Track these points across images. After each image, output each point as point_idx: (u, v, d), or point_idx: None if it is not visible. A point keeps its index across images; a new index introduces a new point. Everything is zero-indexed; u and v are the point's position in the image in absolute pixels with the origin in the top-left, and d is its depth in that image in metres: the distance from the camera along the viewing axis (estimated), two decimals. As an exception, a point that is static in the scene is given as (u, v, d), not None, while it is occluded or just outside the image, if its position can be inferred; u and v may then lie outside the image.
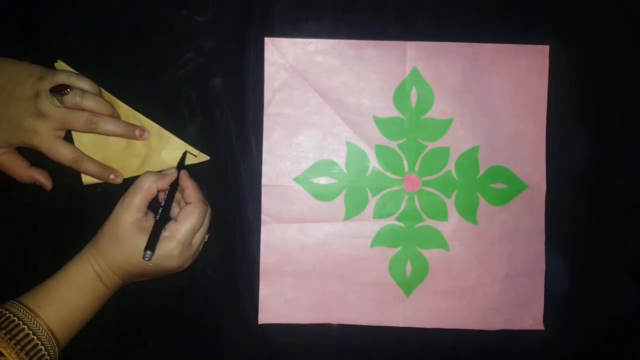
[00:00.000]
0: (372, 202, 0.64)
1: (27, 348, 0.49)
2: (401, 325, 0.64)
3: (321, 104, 0.63)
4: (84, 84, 0.58)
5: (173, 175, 0.57)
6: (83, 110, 0.57)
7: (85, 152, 0.59)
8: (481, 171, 0.64)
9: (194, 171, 0.62)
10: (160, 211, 0.56)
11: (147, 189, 0.55)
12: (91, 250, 0.55)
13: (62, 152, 0.57)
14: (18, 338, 0.49)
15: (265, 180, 0.63)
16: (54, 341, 0.51)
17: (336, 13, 0.63)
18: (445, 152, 0.64)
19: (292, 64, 0.63)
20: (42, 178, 0.60)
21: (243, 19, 0.63)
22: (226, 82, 0.63)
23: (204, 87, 0.63)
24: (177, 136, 0.62)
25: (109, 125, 0.58)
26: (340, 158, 0.64)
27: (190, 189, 0.57)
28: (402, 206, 0.64)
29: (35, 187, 0.60)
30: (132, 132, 0.60)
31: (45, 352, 0.50)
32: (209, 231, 0.58)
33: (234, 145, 0.63)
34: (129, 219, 0.54)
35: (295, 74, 0.63)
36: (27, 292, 0.53)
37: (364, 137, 0.63)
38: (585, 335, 0.65)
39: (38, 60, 0.58)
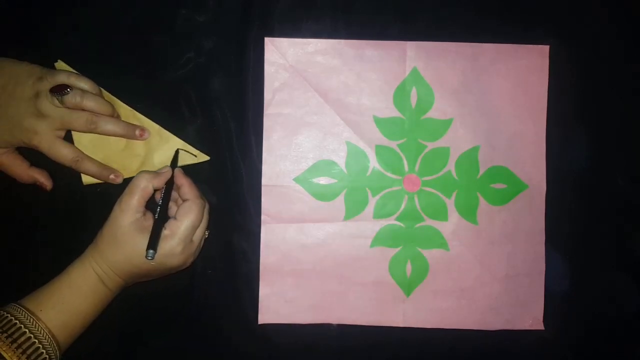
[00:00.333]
0: (372, 202, 0.64)
1: (29, 352, 0.49)
2: (401, 325, 0.64)
3: (321, 104, 0.63)
4: (84, 84, 0.58)
5: (168, 173, 0.57)
6: (83, 110, 0.57)
7: (85, 152, 0.59)
8: (481, 171, 0.64)
9: (194, 171, 0.62)
10: (159, 210, 0.56)
11: (143, 188, 0.55)
12: (92, 253, 0.55)
13: (62, 152, 0.57)
14: (19, 341, 0.48)
15: (265, 180, 0.63)
16: (55, 344, 0.51)
17: (336, 13, 0.63)
18: (445, 152, 0.64)
19: (292, 64, 0.63)
20: (42, 178, 0.60)
21: (243, 19, 0.63)
22: (226, 82, 0.63)
23: (204, 87, 0.63)
24: (177, 136, 0.62)
25: (109, 125, 0.58)
26: (340, 158, 0.64)
27: (185, 186, 0.57)
28: (402, 206, 0.64)
29: (35, 187, 0.60)
30: (132, 132, 0.60)
31: (47, 356, 0.50)
32: (208, 227, 0.58)
33: (234, 145, 0.63)
34: (128, 219, 0.54)
35: (295, 74, 0.63)
36: (29, 294, 0.53)
37: (364, 137, 0.63)
38: (585, 335, 0.65)
39: (38, 60, 0.58)
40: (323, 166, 0.63)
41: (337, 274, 0.64)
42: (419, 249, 0.64)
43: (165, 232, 0.55)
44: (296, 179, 0.63)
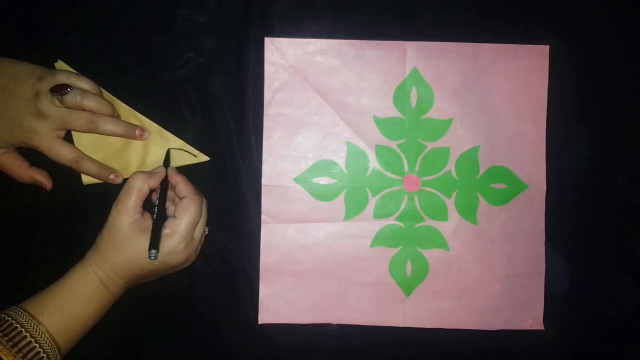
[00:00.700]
0: (372, 202, 0.64)
1: (29, 355, 0.48)
2: (401, 325, 0.64)
3: (321, 104, 0.63)
4: (84, 84, 0.58)
5: (162, 173, 0.57)
6: (83, 110, 0.57)
7: (85, 152, 0.59)
8: (481, 171, 0.64)
9: (194, 171, 0.62)
10: (157, 210, 0.55)
11: (139, 188, 0.55)
12: (93, 257, 0.54)
13: (62, 152, 0.57)
14: (20, 345, 0.48)
15: (265, 180, 0.63)
16: (55, 348, 0.50)
17: (336, 13, 0.63)
18: (445, 152, 0.64)
19: (292, 64, 0.63)
20: (42, 178, 0.60)
21: (243, 19, 0.63)
22: (226, 82, 0.63)
23: (204, 87, 0.63)
24: (177, 136, 0.62)
25: (109, 125, 0.58)
26: (340, 158, 0.64)
27: (181, 183, 0.57)
28: (402, 206, 0.64)
29: (35, 187, 0.60)
30: (132, 132, 0.60)
31: None
32: (207, 224, 0.58)
33: (234, 145, 0.63)
34: (127, 221, 0.54)
35: (295, 74, 0.63)
36: (30, 298, 0.52)
37: (364, 137, 0.63)
38: (585, 335, 0.65)
39: (38, 60, 0.58)
40: (323, 166, 0.63)
41: (337, 274, 0.64)
42: (419, 249, 0.64)
43: (165, 231, 0.54)
44: (296, 179, 0.63)
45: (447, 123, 0.64)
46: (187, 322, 0.63)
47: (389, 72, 0.63)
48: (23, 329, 0.49)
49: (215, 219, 0.61)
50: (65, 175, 0.60)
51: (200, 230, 0.57)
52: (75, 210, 0.63)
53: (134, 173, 0.56)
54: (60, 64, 0.61)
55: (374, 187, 0.64)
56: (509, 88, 0.64)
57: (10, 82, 0.56)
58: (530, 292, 0.64)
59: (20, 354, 0.48)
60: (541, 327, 0.64)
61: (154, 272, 0.56)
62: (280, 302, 0.63)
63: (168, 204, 0.58)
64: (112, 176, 0.60)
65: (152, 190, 0.57)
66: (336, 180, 0.64)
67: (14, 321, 0.49)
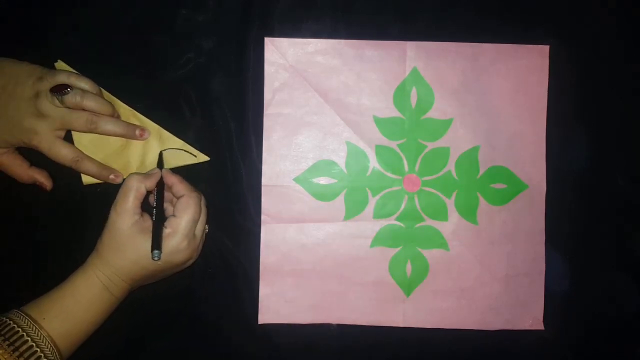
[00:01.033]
0: (372, 202, 0.64)
1: None
2: (401, 325, 0.64)
3: (321, 104, 0.63)
4: (84, 84, 0.58)
5: (158, 174, 0.57)
6: (83, 110, 0.57)
7: (85, 152, 0.59)
8: (481, 171, 0.64)
9: (194, 171, 0.62)
10: (155, 211, 0.55)
11: (136, 189, 0.55)
12: (95, 261, 0.54)
13: (62, 152, 0.57)
14: (21, 350, 0.48)
15: (265, 180, 0.63)
16: (57, 353, 0.50)
17: (336, 13, 0.63)
18: (445, 152, 0.64)
19: (292, 64, 0.63)
20: (42, 178, 0.60)
21: (243, 19, 0.63)
22: (226, 82, 0.63)
23: (204, 87, 0.63)
24: (177, 136, 0.62)
25: (109, 125, 0.58)
26: (340, 158, 0.64)
27: (177, 183, 0.57)
28: (402, 206, 0.64)
29: (35, 187, 0.60)
30: (132, 132, 0.60)
31: None
32: (207, 222, 0.58)
33: (234, 145, 0.63)
34: (127, 223, 0.54)
35: (295, 74, 0.63)
36: (32, 302, 0.52)
37: (364, 137, 0.63)
38: (585, 335, 0.65)
39: (38, 60, 0.58)
40: (323, 166, 0.63)
41: (337, 274, 0.63)
42: (419, 249, 0.64)
43: (167, 230, 0.54)
44: (296, 179, 0.63)
45: (447, 123, 0.64)
46: (188, 322, 0.63)
47: (389, 72, 0.63)
48: (24, 333, 0.49)
49: (215, 219, 0.61)
50: (65, 175, 0.60)
51: (201, 227, 0.57)
52: (75, 210, 0.63)
53: (129, 175, 0.56)
54: (60, 64, 0.61)
55: (374, 187, 0.64)
56: (509, 88, 0.64)
57: (10, 82, 0.56)
58: (530, 292, 0.64)
59: (22, 358, 0.48)
60: (541, 327, 0.64)
61: (158, 272, 0.56)
62: (280, 302, 0.63)
63: (166, 205, 0.58)
64: (112, 176, 0.60)
65: (149, 192, 0.57)
66: (336, 180, 0.64)
67: (15, 325, 0.49)
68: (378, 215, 0.64)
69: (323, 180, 0.64)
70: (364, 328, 0.63)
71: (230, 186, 0.63)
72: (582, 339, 0.65)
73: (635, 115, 0.64)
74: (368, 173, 0.64)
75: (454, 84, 0.63)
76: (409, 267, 0.64)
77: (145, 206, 0.56)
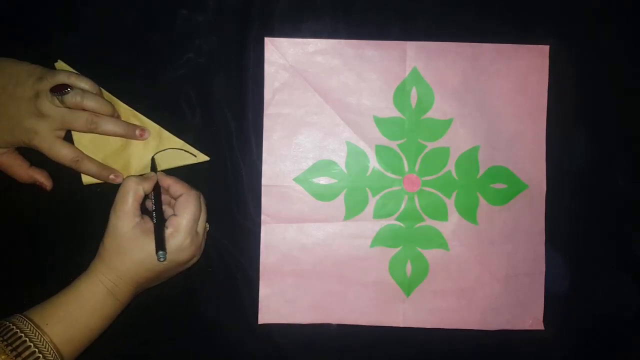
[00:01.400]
0: (372, 202, 0.64)
1: None
2: (401, 325, 0.64)
3: (321, 104, 0.63)
4: (84, 84, 0.58)
5: (154, 177, 0.57)
6: (83, 110, 0.57)
7: (85, 152, 0.59)
8: (481, 171, 0.64)
9: (194, 171, 0.62)
10: (155, 214, 0.55)
11: (135, 191, 0.54)
12: (98, 266, 0.54)
13: (62, 152, 0.57)
14: (24, 355, 0.48)
15: (265, 180, 0.63)
16: (59, 359, 0.50)
17: (336, 13, 0.63)
18: (445, 152, 0.64)
19: (292, 64, 0.63)
20: (42, 178, 0.60)
21: (243, 19, 0.63)
22: (226, 82, 0.63)
23: (204, 87, 0.63)
24: (177, 136, 0.62)
25: (109, 125, 0.58)
26: (340, 158, 0.64)
27: (173, 184, 0.57)
28: (402, 206, 0.64)
29: (35, 187, 0.60)
30: (132, 132, 0.60)
31: None
32: (208, 220, 0.58)
33: (234, 145, 0.63)
34: (128, 225, 0.54)
35: (295, 74, 0.63)
36: (35, 307, 0.52)
37: (364, 137, 0.63)
38: (585, 335, 0.65)
39: (38, 60, 0.58)
40: (323, 166, 0.63)
41: (337, 274, 0.63)
42: (419, 249, 0.64)
43: (169, 230, 0.54)
44: (296, 179, 0.63)
45: (447, 123, 0.64)
46: (188, 322, 0.63)
47: (389, 72, 0.63)
48: (27, 339, 0.48)
49: (215, 219, 0.61)
50: (65, 175, 0.60)
51: (202, 224, 0.57)
52: (75, 210, 0.63)
53: (126, 178, 0.56)
54: (60, 64, 0.61)
55: (374, 187, 0.64)
56: (509, 88, 0.64)
57: (10, 82, 0.56)
58: (530, 292, 0.64)
59: None
60: (541, 327, 0.64)
61: (163, 273, 0.56)
62: (280, 302, 0.63)
63: (164, 207, 0.58)
64: (112, 176, 0.60)
65: (145, 196, 0.56)
66: (336, 180, 0.63)
67: (18, 330, 0.49)
68: (378, 215, 0.64)
69: (323, 180, 0.64)
70: (364, 328, 0.63)
71: (230, 186, 0.63)
72: (582, 339, 0.65)
73: (636, 116, 0.64)
74: (368, 173, 0.64)
75: (454, 84, 0.63)
76: (409, 267, 0.64)
77: (143, 210, 0.56)
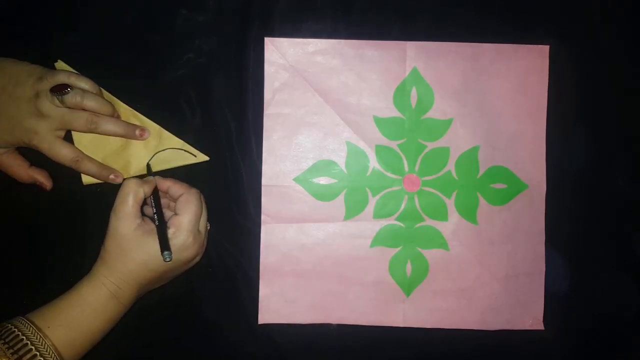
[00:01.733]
0: (372, 202, 0.64)
1: None
2: (401, 325, 0.64)
3: (321, 104, 0.63)
4: (84, 84, 0.58)
5: (153, 181, 0.57)
6: (83, 110, 0.57)
7: (85, 152, 0.59)
8: (481, 171, 0.64)
9: (194, 171, 0.62)
10: (156, 216, 0.55)
11: (135, 192, 0.54)
12: (101, 269, 0.54)
13: (62, 152, 0.57)
14: (25, 358, 0.47)
15: (265, 180, 0.63)
16: None
17: (336, 13, 0.63)
18: (445, 152, 0.64)
19: (292, 64, 0.63)
20: (42, 178, 0.60)
21: (243, 19, 0.63)
22: (226, 82, 0.63)
23: (204, 87, 0.63)
24: (177, 136, 0.62)
25: (109, 125, 0.58)
26: (340, 158, 0.64)
27: (173, 185, 0.57)
28: (402, 206, 0.64)
29: (35, 187, 0.60)
30: (132, 132, 0.60)
31: None
32: (208, 220, 0.58)
33: (234, 145, 0.63)
34: (130, 227, 0.53)
35: (295, 74, 0.63)
36: (37, 309, 0.52)
37: (364, 137, 0.63)
38: (585, 335, 0.65)
39: (38, 60, 0.58)
40: (323, 166, 0.63)
41: (337, 274, 0.63)
42: (419, 249, 0.64)
43: (171, 230, 0.54)
44: (296, 179, 0.63)
45: (447, 123, 0.64)
46: (187, 322, 0.63)
47: (389, 72, 0.63)
48: (29, 342, 0.48)
49: (215, 219, 0.61)
50: (65, 175, 0.60)
51: (203, 222, 0.57)
52: (75, 210, 0.63)
53: (126, 180, 0.56)
54: (60, 64, 0.61)
55: (374, 187, 0.64)
56: (509, 88, 0.64)
57: (10, 82, 0.56)
58: (530, 292, 0.64)
59: None
60: (541, 327, 0.64)
61: (166, 274, 0.56)
62: (280, 302, 0.63)
63: (164, 210, 0.58)
64: (112, 176, 0.60)
65: (145, 201, 0.56)
66: (336, 180, 0.63)
67: (19, 332, 0.49)
68: (378, 215, 0.64)
69: (323, 180, 0.64)
70: (364, 328, 0.63)
71: (230, 186, 0.63)
72: (582, 339, 0.65)
73: (636, 116, 0.64)
74: (368, 173, 0.64)
75: (454, 84, 0.63)
76: (409, 267, 0.64)
77: (142, 214, 0.56)
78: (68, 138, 0.59)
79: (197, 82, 0.63)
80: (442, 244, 0.64)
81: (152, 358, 0.64)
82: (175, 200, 0.57)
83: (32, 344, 0.48)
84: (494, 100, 0.64)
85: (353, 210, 0.63)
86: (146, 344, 0.63)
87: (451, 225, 0.64)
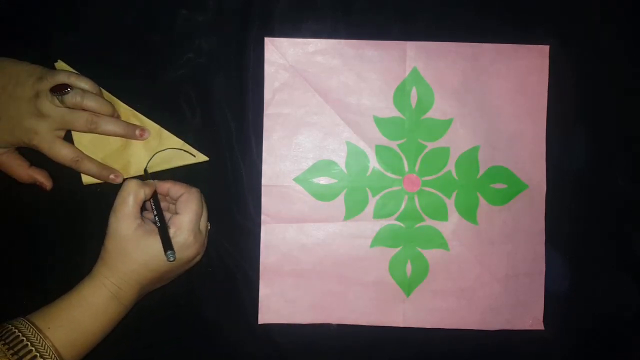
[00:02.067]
0: (372, 202, 0.64)
1: None
2: (401, 325, 0.64)
3: (321, 104, 0.63)
4: (84, 84, 0.58)
5: (153, 185, 0.57)
6: (83, 110, 0.57)
7: (85, 152, 0.59)
8: (481, 171, 0.64)
9: (194, 171, 0.62)
10: (157, 218, 0.55)
11: (135, 193, 0.54)
12: (101, 270, 0.53)
13: (62, 152, 0.57)
14: (25, 359, 0.47)
15: (265, 180, 0.63)
16: None
17: (336, 13, 0.63)
18: (445, 152, 0.64)
19: (292, 64, 0.63)
20: (42, 178, 0.60)
21: (243, 19, 0.63)
22: (226, 82, 0.63)
23: (204, 87, 0.63)
24: (177, 136, 0.62)
25: (109, 125, 0.58)
26: (340, 158, 0.64)
27: (172, 186, 0.57)
28: (402, 206, 0.64)
29: (35, 187, 0.60)
30: (132, 132, 0.60)
31: None
32: (208, 219, 0.58)
33: (234, 145, 0.63)
34: (130, 227, 0.53)
35: (295, 74, 0.63)
36: (38, 310, 0.51)
37: (364, 137, 0.63)
38: (585, 335, 0.65)
39: (38, 60, 0.58)
40: (323, 166, 0.63)
41: (337, 274, 0.63)
42: (419, 249, 0.64)
43: (172, 229, 0.54)
44: (296, 179, 0.63)
45: (447, 123, 0.64)
46: (188, 322, 0.63)
47: (389, 72, 0.63)
48: (29, 343, 0.48)
49: (215, 219, 0.61)
50: (65, 175, 0.60)
51: (204, 221, 0.57)
52: (75, 210, 0.63)
53: (126, 181, 0.55)
54: (60, 64, 0.61)
55: (374, 187, 0.64)
56: (509, 88, 0.64)
57: (10, 82, 0.56)
58: (530, 292, 0.64)
59: None
60: (541, 327, 0.64)
61: (167, 274, 0.56)
62: (280, 302, 0.63)
63: (165, 213, 0.58)
64: (112, 176, 0.60)
65: (145, 201, 0.56)
66: (336, 180, 0.63)
67: (20, 333, 0.49)
68: (378, 215, 0.64)
69: (323, 180, 0.64)
70: (364, 328, 0.63)
71: (230, 186, 0.63)
72: (582, 339, 0.65)
73: (636, 116, 0.64)
74: (368, 173, 0.64)
75: (454, 84, 0.63)
76: (409, 267, 0.64)
77: (143, 216, 0.56)
78: (68, 138, 0.59)
79: (197, 82, 0.63)
80: (442, 244, 0.64)
81: (153, 358, 0.64)
82: (175, 201, 0.57)
83: (32, 345, 0.48)
84: (494, 100, 0.64)
85: (353, 210, 0.63)
86: (146, 345, 0.63)
87: (451, 225, 0.64)
